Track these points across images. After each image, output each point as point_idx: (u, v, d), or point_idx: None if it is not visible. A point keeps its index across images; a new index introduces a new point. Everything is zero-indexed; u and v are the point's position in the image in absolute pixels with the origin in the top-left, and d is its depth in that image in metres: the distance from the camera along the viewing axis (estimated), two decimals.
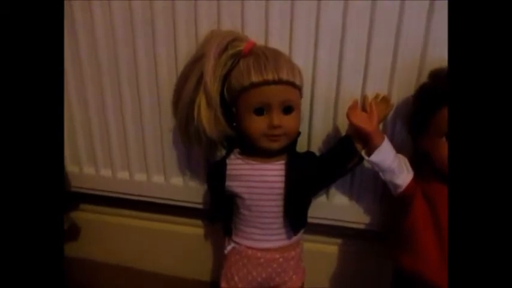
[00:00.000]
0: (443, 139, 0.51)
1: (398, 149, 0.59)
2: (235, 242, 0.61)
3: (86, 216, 0.90)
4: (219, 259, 0.76)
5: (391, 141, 0.58)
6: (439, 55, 0.56)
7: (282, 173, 0.57)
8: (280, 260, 0.60)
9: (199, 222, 0.84)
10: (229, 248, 0.61)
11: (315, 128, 0.65)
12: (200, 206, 0.77)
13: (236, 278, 0.60)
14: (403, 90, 0.60)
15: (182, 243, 0.86)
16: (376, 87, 0.61)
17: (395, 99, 0.61)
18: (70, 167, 0.82)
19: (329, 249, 0.78)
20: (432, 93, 0.52)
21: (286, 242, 0.60)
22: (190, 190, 0.76)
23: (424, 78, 0.57)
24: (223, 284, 0.62)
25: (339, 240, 0.78)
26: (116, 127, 0.75)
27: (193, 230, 0.84)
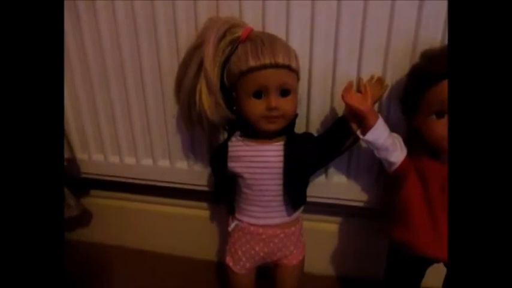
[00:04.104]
0: (433, 117, 0.52)
1: (393, 128, 0.60)
2: (238, 220, 0.63)
3: (96, 201, 0.94)
4: (224, 239, 0.79)
5: (387, 121, 0.59)
6: (430, 37, 0.58)
7: (281, 153, 0.58)
8: (281, 235, 0.62)
9: (204, 204, 0.87)
10: (232, 225, 0.64)
11: (313, 110, 0.67)
12: (205, 188, 0.80)
13: (240, 253, 0.63)
14: (397, 72, 0.61)
15: (189, 225, 0.89)
16: (371, 69, 0.62)
17: (390, 80, 0.62)
18: (80, 154, 0.85)
19: (328, 227, 0.81)
20: (421, 73, 0.53)
21: (286, 219, 0.62)
22: (194, 173, 0.78)
23: (417, 60, 0.58)
24: (227, 259, 0.65)
25: (338, 219, 0.81)
26: (122, 115, 0.78)
27: (199, 212, 0.87)
